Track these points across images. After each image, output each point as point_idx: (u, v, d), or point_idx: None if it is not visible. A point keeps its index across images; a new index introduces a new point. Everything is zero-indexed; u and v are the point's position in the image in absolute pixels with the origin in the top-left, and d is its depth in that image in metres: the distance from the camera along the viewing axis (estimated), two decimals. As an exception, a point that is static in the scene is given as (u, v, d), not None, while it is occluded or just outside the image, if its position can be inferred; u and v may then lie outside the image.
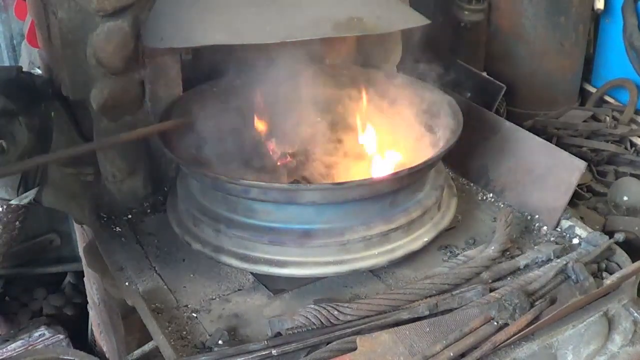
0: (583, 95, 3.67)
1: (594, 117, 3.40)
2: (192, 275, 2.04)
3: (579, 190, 2.71)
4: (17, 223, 2.79)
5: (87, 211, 2.31)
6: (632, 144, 3.12)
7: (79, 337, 3.08)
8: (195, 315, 1.87)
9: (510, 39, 3.36)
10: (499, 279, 1.93)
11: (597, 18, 3.64)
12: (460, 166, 2.51)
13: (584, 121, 3.30)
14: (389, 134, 2.27)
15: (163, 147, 1.99)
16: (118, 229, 2.24)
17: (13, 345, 2.88)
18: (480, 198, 2.42)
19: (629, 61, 3.49)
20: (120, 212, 2.32)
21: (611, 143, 3.08)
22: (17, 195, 2.53)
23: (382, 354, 1.63)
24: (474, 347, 1.66)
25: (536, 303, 1.78)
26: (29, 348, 2.87)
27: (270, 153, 2.27)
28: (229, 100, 2.30)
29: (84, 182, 2.46)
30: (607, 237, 2.07)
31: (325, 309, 1.75)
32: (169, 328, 1.81)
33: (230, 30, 1.95)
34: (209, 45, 2.04)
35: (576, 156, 2.33)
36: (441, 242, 2.13)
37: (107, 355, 2.78)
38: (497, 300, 1.74)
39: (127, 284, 2.00)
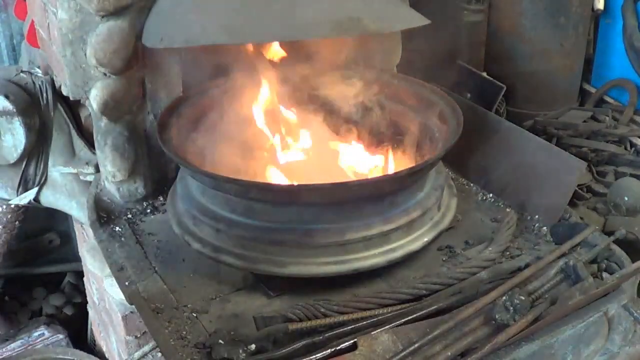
0: (583, 96, 3.67)
1: (594, 118, 3.40)
2: (192, 275, 2.04)
3: (579, 191, 2.71)
4: (17, 223, 2.80)
5: (87, 211, 2.31)
6: (632, 144, 3.11)
7: (79, 337, 3.09)
8: (195, 315, 1.87)
9: (510, 39, 3.36)
10: (499, 279, 1.93)
11: (597, 18, 3.64)
12: (460, 166, 2.51)
13: (584, 121, 3.30)
14: (389, 134, 2.27)
15: (163, 147, 1.99)
16: (118, 229, 2.24)
17: (13, 345, 2.88)
18: (480, 198, 2.42)
19: (628, 61, 3.49)
20: (120, 212, 2.32)
21: (611, 143, 3.08)
22: (17, 195, 2.53)
23: (382, 354, 1.63)
24: (473, 348, 1.66)
25: (536, 303, 1.78)
26: (29, 348, 2.88)
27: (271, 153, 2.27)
28: (228, 101, 2.30)
29: (84, 182, 2.46)
30: (607, 237, 2.07)
31: (322, 306, 1.76)
32: (169, 328, 1.81)
33: (230, 30, 1.95)
34: (209, 45, 2.04)
35: (576, 156, 2.33)
36: (441, 242, 2.13)
37: (106, 356, 2.78)
38: (497, 300, 1.74)
39: (127, 284, 2.00)
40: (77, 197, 2.49)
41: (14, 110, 2.36)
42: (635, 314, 1.87)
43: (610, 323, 1.85)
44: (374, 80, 2.36)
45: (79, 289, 3.24)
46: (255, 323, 1.75)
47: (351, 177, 2.14)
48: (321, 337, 1.68)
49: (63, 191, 2.52)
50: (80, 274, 3.06)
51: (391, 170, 2.19)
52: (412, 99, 2.34)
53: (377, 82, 2.36)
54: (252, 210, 1.92)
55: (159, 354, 1.99)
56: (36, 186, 2.52)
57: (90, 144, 2.41)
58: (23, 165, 2.48)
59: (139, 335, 2.17)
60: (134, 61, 2.17)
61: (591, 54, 3.72)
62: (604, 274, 1.99)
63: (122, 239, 2.19)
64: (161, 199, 2.39)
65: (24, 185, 2.52)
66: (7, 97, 2.36)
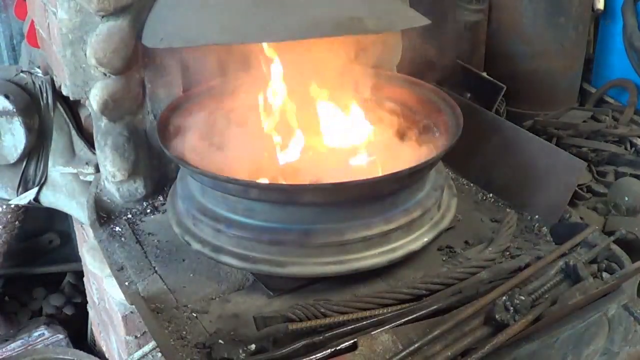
0: (583, 96, 3.68)
1: (594, 118, 3.40)
2: (192, 275, 2.04)
3: (579, 191, 2.71)
4: (17, 223, 2.80)
5: (87, 211, 2.31)
6: (632, 144, 3.12)
7: (79, 337, 3.08)
8: (195, 315, 1.87)
9: (510, 39, 3.36)
10: (499, 279, 1.93)
11: (597, 18, 3.65)
12: (460, 166, 2.51)
13: (584, 121, 3.30)
14: (389, 134, 2.27)
15: (163, 147, 1.99)
16: (118, 229, 2.24)
17: (13, 345, 2.88)
18: (480, 198, 2.42)
19: (628, 61, 3.49)
20: (120, 212, 2.32)
21: (611, 143, 3.09)
22: (17, 195, 2.53)
23: (382, 354, 1.63)
24: (473, 348, 1.66)
25: (536, 303, 1.78)
26: (29, 348, 2.88)
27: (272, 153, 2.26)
28: (228, 101, 2.30)
29: (84, 182, 2.46)
30: (607, 237, 2.07)
31: (322, 306, 1.76)
32: (169, 328, 1.81)
33: (230, 30, 1.95)
34: (209, 45, 2.04)
35: (576, 156, 2.33)
36: (441, 242, 2.13)
37: (106, 356, 2.78)
38: (497, 300, 1.74)
39: (127, 284, 2.00)
40: (77, 197, 2.49)
41: (14, 110, 2.36)
42: (635, 314, 1.88)
43: (610, 323, 1.85)
44: (374, 81, 2.36)
45: (79, 289, 3.23)
46: (255, 323, 1.75)
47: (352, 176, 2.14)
48: (321, 337, 1.68)
49: (63, 191, 2.52)
50: (80, 274, 3.06)
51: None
52: (412, 99, 2.34)
53: (377, 82, 2.36)
54: (252, 210, 1.92)
55: (159, 354, 1.99)
56: (36, 186, 2.52)
57: (90, 144, 2.41)
58: (23, 165, 2.48)
59: (139, 335, 2.17)
60: (134, 61, 2.17)
61: (591, 54, 3.72)
62: (604, 274, 1.99)
63: (122, 239, 2.19)
64: (161, 199, 2.39)
65: (24, 185, 2.52)
66: (7, 97, 2.36)
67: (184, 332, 1.80)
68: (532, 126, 3.15)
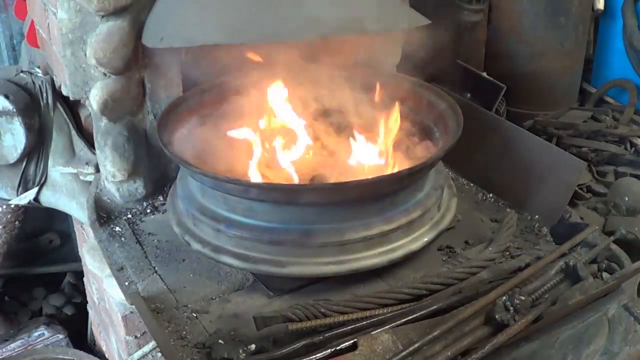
0: (583, 96, 3.68)
1: (594, 118, 3.40)
2: (192, 275, 2.04)
3: (579, 191, 2.71)
4: (17, 223, 2.81)
5: (87, 211, 2.31)
6: (632, 144, 3.12)
7: (79, 337, 3.09)
8: (195, 315, 1.87)
9: (510, 39, 3.36)
10: (499, 279, 1.93)
11: (597, 18, 3.65)
12: (460, 166, 2.51)
13: (584, 121, 3.30)
14: (389, 134, 2.27)
15: (163, 147, 1.99)
16: (118, 229, 2.24)
17: (12, 345, 2.88)
18: (480, 198, 2.42)
19: (628, 61, 3.49)
20: (120, 212, 2.32)
21: (611, 143, 3.09)
22: (17, 195, 2.53)
23: (382, 354, 1.63)
24: (473, 348, 1.66)
25: (536, 303, 1.78)
26: (29, 348, 2.88)
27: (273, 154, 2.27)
28: (228, 101, 2.30)
29: (84, 182, 2.47)
30: (607, 237, 2.07)
31: (322, 306, 1.76)
32: (169, 328, 1.81)
33: (230, 30, 1.95)
34: (209, 45, 2.04)
35: (576, 156, 2.33)
36: (441, 242, 2.13)
37: (106, 356, 2.78)
38: (497, 300, 1.74)
39: (127, 284, 2.00)
40: (77, 197, 2.49)
41: (14, 110, 2.36)
42: (635, 314, 1.87)
43: (610, 323, 1.85)
44: (374, 81, 2.36)
45: (79, 289, 3.24)
46: (255, 323, 1.75)
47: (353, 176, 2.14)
48: (321, 337, 1.68)
49: (63, 191, 2.52)
50: (80, 274, 3.06)
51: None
52: (412, 99, 2.34)
53: (377, 82, 2.36)
54: (252, 210, 1.92)
55: (159, 354, 1.99)
56: (36, 186, 2.52)
57: (90, 144, 2.41)
58: (23, 165, 2.48)
59: (139, 335, 2.17)
60: (134, 61, 2.17)
61: (591, 54, 3.72)
62: (604, 274, 1.99)
63: (122, 239, 2.19)
64: (161, 199, 2.39)
65: (24, 185, 2.52)
66: (7, 97, 2.36)
67: (184, 332, 1.80)
68: (532, 126, 3.15)
